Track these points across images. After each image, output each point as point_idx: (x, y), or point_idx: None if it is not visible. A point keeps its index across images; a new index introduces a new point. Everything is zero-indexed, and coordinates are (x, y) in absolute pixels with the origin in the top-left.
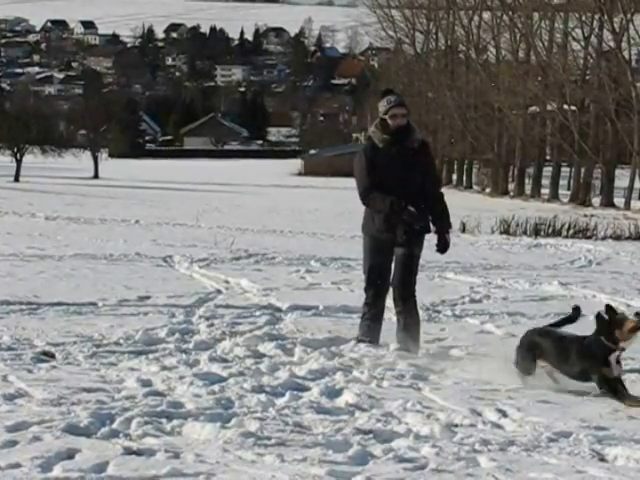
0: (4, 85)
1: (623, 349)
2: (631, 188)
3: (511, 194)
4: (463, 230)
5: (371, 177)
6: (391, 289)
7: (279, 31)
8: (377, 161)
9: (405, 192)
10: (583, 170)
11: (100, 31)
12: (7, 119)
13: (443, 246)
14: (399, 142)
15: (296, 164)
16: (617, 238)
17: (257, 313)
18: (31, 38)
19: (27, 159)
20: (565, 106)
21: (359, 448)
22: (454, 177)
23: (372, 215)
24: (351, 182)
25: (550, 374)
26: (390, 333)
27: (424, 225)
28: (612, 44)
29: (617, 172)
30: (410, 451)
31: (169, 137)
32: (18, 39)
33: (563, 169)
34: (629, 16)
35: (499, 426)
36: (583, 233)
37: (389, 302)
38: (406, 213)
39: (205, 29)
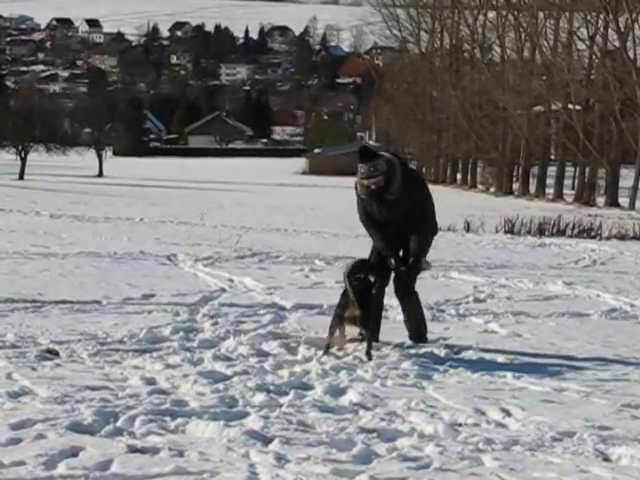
0: (9, 83)
1: None
2: (636, 188)
3: (515, 193)
4: (467, 229)
5: (363, 213)
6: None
7: (284, 30)
8: (366, 204)
9: (394, 230)
10: (587, 170)
11: (105, 29)
12: (12, 117)
13: (407, 269)
14: (377, 197)
15: (300, 163)
16: (622, 238)
17: (261, 312)
18: (36, 36)
19: (32, 157)
20: (570, 105)
21: (363, 447)
22: (458, 176)
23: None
24: (355, 181)
25: None
26: (392, 332)
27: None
28: (617, 43)
29: (622, 172)
30: (414, 450)
31: (173, 135)
32: (23, 37)
33: (567, 169)
34: (634, 15)
35: (503, 425)
36: (587, 233)
37: (391, 301)
38: (393, 267)
39: (210, 28)
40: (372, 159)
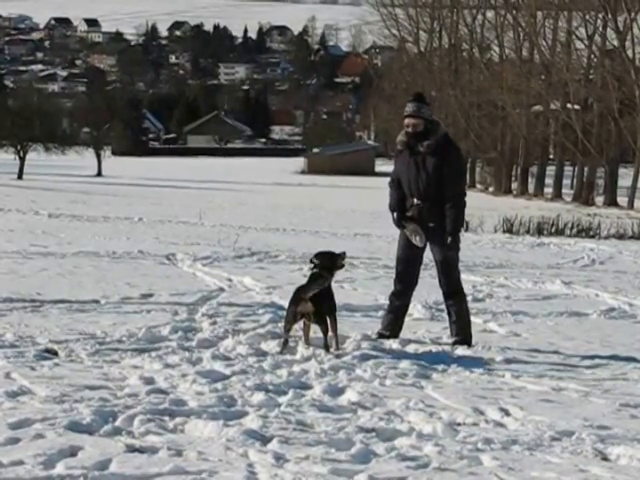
0: (8, 83)
1: None
2: (634, 187)
3: (514, 193)
4: (466, 229)
5: (394, 172)
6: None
7: (283, 29)
8: (398, 162)
9: (418, 193)
10: (586, 169)
11: (104, 29)
12: (11, 117)
13: (447, 246)
14: (410, 147)
15: (299, 162)
16: (620, 237)
17: (260, 311)
18: (35, 36)
19: (30, 157)
20: (568, 105)
21: (362, 446)
22: None
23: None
24: (353, 180)
25: None
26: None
27: (423, 242)
28: (616, 43)
29: (620, 171)
30: (413, 449)
31: (172, 135)
32: (22, 37)
33: (566, 168)
34: (633, 15)
35: (502, 425)
36: (586, 232)
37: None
38: (408, 228)
39: (209, 27)
40: (421, 102)
